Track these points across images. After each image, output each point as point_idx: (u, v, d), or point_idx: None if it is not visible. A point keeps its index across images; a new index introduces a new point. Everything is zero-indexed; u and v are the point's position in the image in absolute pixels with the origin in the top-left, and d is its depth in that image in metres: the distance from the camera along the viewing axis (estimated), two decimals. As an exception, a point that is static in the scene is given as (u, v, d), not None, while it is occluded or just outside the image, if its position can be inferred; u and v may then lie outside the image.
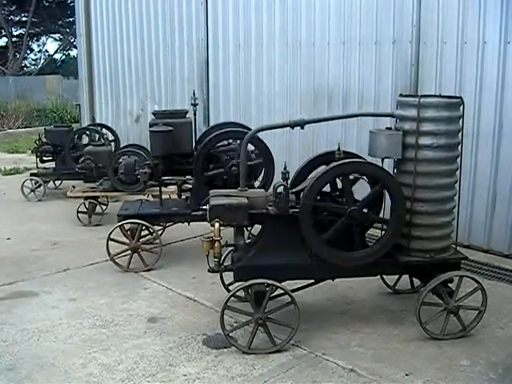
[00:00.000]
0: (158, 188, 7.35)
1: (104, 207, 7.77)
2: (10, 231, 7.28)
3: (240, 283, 4.19)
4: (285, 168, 4.30)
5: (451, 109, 4.30)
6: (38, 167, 8.74)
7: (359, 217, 4.23)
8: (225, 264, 4.46)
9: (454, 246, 4.56)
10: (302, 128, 4.38)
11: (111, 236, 5.83)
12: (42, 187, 8.73)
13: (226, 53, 8.52)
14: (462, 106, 4.33)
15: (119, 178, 7.20)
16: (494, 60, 5.78)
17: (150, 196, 7.54)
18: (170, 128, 5.62)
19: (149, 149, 7.61)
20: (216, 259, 4.30)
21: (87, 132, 8.92)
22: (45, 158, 8.65)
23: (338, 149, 4.34)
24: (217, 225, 4.09)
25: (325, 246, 4.23)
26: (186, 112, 5.93)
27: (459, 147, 4.40)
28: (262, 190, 4.90)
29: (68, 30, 27.39)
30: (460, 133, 4.36)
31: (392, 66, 6.59)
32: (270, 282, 4.10)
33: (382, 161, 4.41)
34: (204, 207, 4.35)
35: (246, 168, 4.42)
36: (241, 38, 8.27)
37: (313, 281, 4.59)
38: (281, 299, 4.42)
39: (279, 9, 7.70)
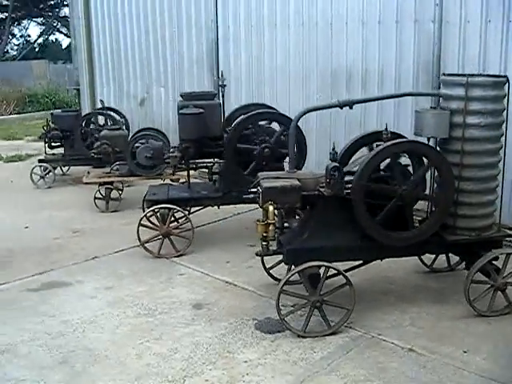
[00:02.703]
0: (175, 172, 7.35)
1: (119, 193, 7.64)
2: (26, 219, 7.14)
3: (296, 266, 4.16)
4: (333, 148, 4.28)
5: (497, 88, 4.30)
6: (46, 153, 8.55)
7: (410, 196, 4.23)
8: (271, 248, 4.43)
9: (496, 225, 4.59)
10: (351, 108, 4.35)
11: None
12: (51, 174, 8.56)
13: (237, 34, 8.38)
14: (506, 85, 4.32)
15: (137, 163, 7.11)
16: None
17: (168, 180, 7.44)
18: (201, 110, 5.52)
19: (163, 131, 7.60)
20: (267, 242, 4.27)
21: (99, 116, 8.72)
22: (53, 144, 8.47)
23: (386, 129, 4.33)
24: (271, 207, 4.05)
25: (378, 226, 4.22)
26: (215, 94, 5.83)
27: (503, 126, 4.40)
28: (310, 171, 4.84)
29: (50, 14, 26.73)
30: (504, 111, 4.36)
31: (413, 45, 6.53)
32: (326, 264, 4.09)
33: (428, 140, 4.41)
34: (253, 190, 4.29)
35: (293, 148, 4.37)
36: (253, 19, 8.13)
37: (361, 262, 4.58)
38: (330, 281, 4.40)
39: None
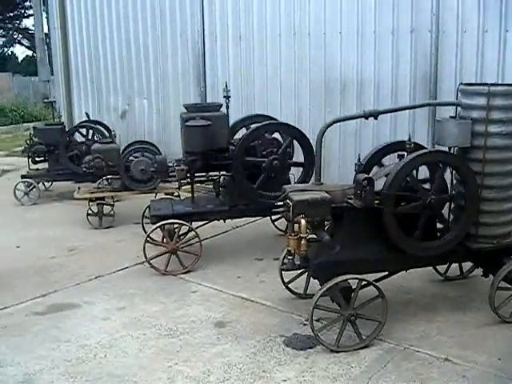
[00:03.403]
0: (169, 186, 7.20)
1: (110, 208, 7.41)
2: (16, 238, 6.85)
3: (325, 280, 4.09)
4: (359, 160, 4.25)
5: (517, 96, 4.36)
6: (30, 168, 8.25)
7: (438, 205, 4.23)
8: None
9: None
10: (376, 118, 4.33)
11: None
12: (35, 190, 8.25)
13: (225, 45, 8.32)
14: (526, 94, 4.38)
15: (131, 176, 6.95)
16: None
17: (161, 194, 7.27)
18: (209, 122, 5.41)
19: (155, 144, 7.44)
20: (293, 257, 4.19)
21: (84, 130, 8.46)
22: (37, 159, 8.18)
23: (409, 139, 4.33)
24: (303, 221, 3.97)
25: (406, 237, 4.20)
26: (221, 105, 5.73)
27: (523, 134, 4.46)
28: (337, 183, 4.79)
29: (11, 26, 25.92)
30: (524, 120, 4.42)
31: (410, 55, 6.60)
32: (360, 277, 4.04)
33: (449, 149, 4.43)
34: (279, 203, 4.21)
35: (320, 161, 4.31)
36: (241, 30, 8.08)
37: (386, 273, 4.55)
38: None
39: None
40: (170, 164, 5.84)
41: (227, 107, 5.71)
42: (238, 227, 6.95)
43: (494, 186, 4.42)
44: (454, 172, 4.48)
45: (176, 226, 5.67)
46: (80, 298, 5.16)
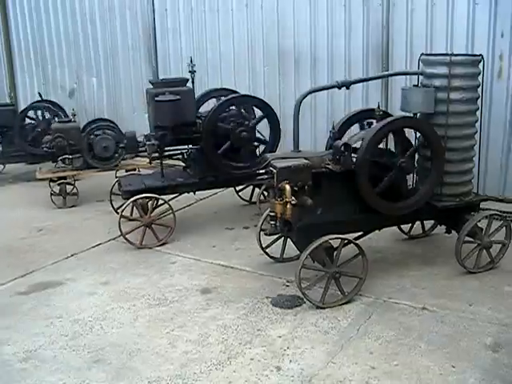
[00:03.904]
0: (129, 163, 7.26)
1: (71, 187, 7.35)
2: (-22, 221, 6.72)
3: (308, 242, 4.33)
4: (333, 128, 4.52)
5: (475, 65, 4.73)
6: (-18, 152, 8.04)
7: (409, 167, 4.56)
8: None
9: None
10: (348, 88, 4.58)
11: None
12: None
13: (176, 18, 8.31)
14: (481, 63, 4.76)
15: (93, 155, 6.95)
16: (462, 18, 6.26)
17: (121, 172, 7.29)
18: (178, 97, 5.50)
19: (115, 122, 7.44)
20: (275, 221, 4.42)
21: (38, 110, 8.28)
22: (-11, 142, 7.98)
23: (378, 107, 4.63)
24: (287, 186, 4.19)
25: (379, 198, 4.51)
26: (187, 80, 5.82)
27: (478, 100, 4.84)
28: (313, 150, 5.02)
29: None
30: (479, 87, 4.80)
31: (362, 27, 6.88)
32: (342, 236, 4.32)
33: (415, 115, 4.76)
34: (262, 171, 4.41)
35: (297, 129, 4.53)
36: (192, 2, 8.10)
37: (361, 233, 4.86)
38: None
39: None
40: (140, 139, 5.89)
41: (193, 82, 5.81)
42: (202, 199, 7.08)
43: (456, 149, 4.80)
44: (419, 136, 4.80)
45: (148, 199, 5.76)
46: (62, 276, 5.19)
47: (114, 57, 9.12)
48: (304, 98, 4.51)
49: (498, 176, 6.31)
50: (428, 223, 5.63)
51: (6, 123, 7.84)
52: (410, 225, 5.62)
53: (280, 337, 4.03)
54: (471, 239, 4.88)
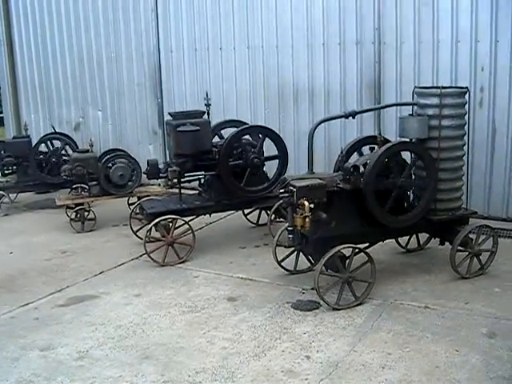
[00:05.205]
0: (142, 189, 7.83)
1: (86, 213, 7.87)
2: (4, 246, 7.16)
3: (328, 252, 4.93)
4: (341, 152, 5.19)
5: (462, 96, 5.48)
6: (-1, 181, 8.55)
7: (409, 185, 5.24)
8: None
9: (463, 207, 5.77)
10: (354, 118, 5.28)
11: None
12: (6, 200, 8.55)
13: (181, 58, 9.01)
14: (467, 94, 5.51)
15: (110, 182, 7.51)
16: (447, 56, 7.06)
17: (135, 198, 7.85)
18: (198, 127, 6.13)
19: (127, 152, 8.03)
20: (293, 235, 5.03)
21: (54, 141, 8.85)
22: (6, 172, 8.48)
23: (380, 133, 5.34)
24: (306, 203, 4.81)
25: (385, 213, 5.17)
26: (204, 112, 6.45)
27: (465, 126, 5.58)
28: (325, 171, 5.66)
29: None
30: (466, 115, 5.54)
31: (356, 64, 7.64)
32: (354, 246, 4.95)
33: (411, 140, 5.47)
34: (281, 191, 5.02)
35: (311, 155, 5.18)
36: (196, 43, 8.81)
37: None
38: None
39: (237, 12, 8.38)
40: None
41: (208, 114, 6.46)
42: (211, 223, 7.66)
43: (447, 169, 5.50)
44: (414, 158, 5.49)
45: (170, 220, 6.33)
46: (95, 290, 5.68)
47: (119, 92, 9.74)
48: (317, 127, 5.19)
49: (482, 194, 7.06)
50: (422, 238, 6.29)
51: (22, 154, 8.36)
52: (407, 239, 6.27)
53: (305, 333, 4.60)
54: (463, 248, 5.55)
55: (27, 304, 5.42)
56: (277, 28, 8.16)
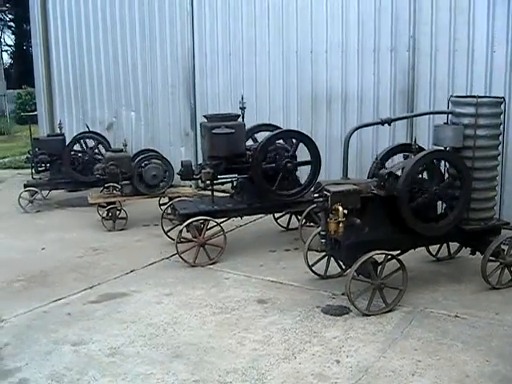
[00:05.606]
0: (174, 190, 7.92)
1: (118, 212, 7.98)
2: (36, 242, 7.32)
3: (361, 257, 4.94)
4: (376, 158, 5.20)
5: (498, 106, 5.45)
6: (33, 178, 8.72)
7: (444, 194, 5.23)
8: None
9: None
10: (389, 125, 5.29)
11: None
12: (39, 197, 8.75)
13: (215, 62, 9.10)
14: (503, 104, 5.48)
15: (143, 182, 7.62)
16: (482, 64, 7.02)
17: (166, 198, 7.95)
18: (233, 130, 6.20)
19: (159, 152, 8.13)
20: (325, 240, 5.05)
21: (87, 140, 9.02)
22: (39, 169, 8.67)
23: (415, 141, 5.32)
24: (340, 208, 4.83)
25: (418, 220, 5.16)
26: (239, 115, 6.52)
27: (500, 136, 5.55)
28: (358, 178, 5.68)
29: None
30: (501, 125, 5.51)
31: (390, 71, 7.64)
32: (387, 252, 4.95)
33: (445, 149, 5.45)
34: (316, 195, 5.04)
35: (347, 161, 5.20)
36: (231, 47, 8.90)
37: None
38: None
39: (272, 17, 8.45)
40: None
41: (243, 117, 6.52)
42: (241, 226, 7.71)
43: (481, 178, 5.47)
44: (448, 167, 5.48)
45: (202, 222, 6.40)
46: (127, 288, 5.78)
47: (153, 93, 9.90)
48: (352, 133, 5.21)
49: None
50: (453, 247, 6.26)
51: (56, 152, 8.54)
52: (438, 248, 6.24)
53: (335, 338, 4.62)
54: (494, 259, 5.51)
55: (59, 299, 5.53)
56: (311, 33, 8.19)
